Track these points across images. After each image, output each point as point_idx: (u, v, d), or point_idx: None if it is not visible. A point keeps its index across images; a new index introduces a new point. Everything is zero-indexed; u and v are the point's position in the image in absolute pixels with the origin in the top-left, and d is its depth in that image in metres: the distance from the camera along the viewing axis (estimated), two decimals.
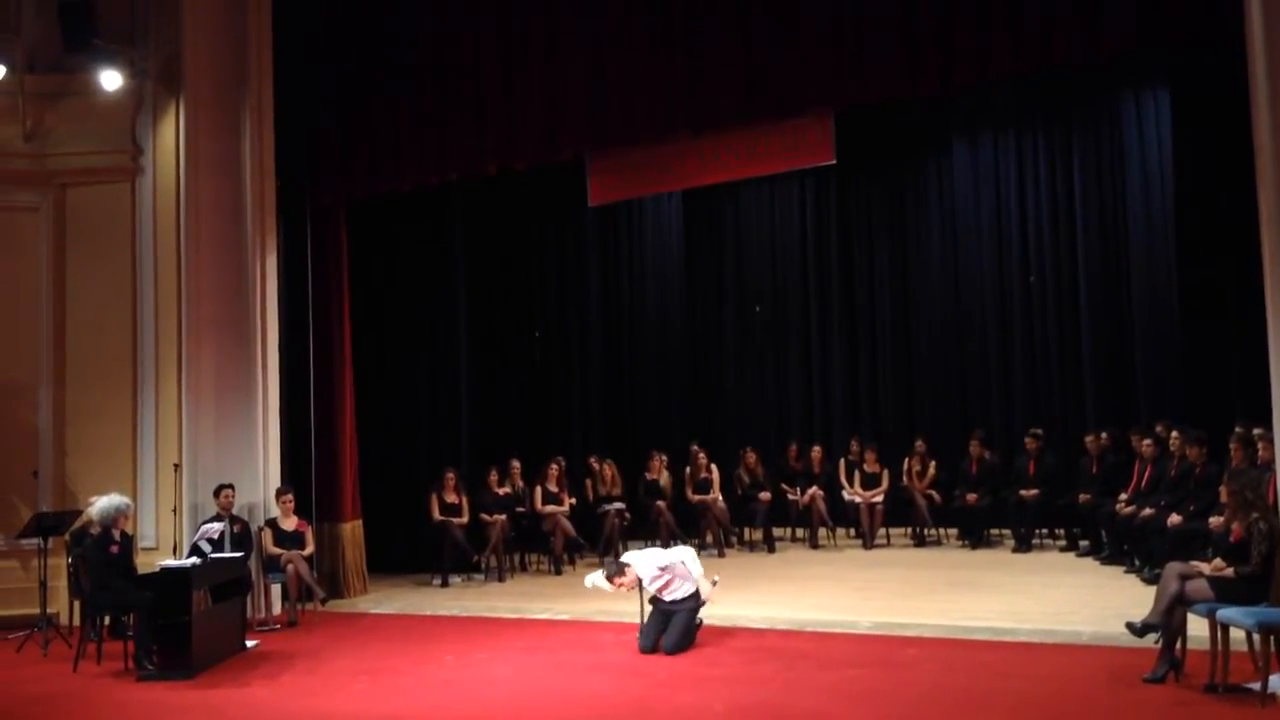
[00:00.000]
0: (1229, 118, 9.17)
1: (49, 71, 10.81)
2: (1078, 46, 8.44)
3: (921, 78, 8.94)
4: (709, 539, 12.97)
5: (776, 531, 13.37)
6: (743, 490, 13.34)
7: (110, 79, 10.52)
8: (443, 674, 7.76)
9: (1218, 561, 6.78)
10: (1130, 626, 6.79)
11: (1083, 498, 11.41)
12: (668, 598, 8.14)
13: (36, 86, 10.78)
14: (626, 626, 8.51)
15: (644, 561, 8.27)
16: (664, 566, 8.20)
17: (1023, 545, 12.00)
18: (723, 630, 8.58)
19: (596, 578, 8.45)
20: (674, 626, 8.03)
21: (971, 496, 12.41)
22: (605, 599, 9.13)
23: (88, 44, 10.48)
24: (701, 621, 8.31)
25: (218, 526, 9.38)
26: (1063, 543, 12.08)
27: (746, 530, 13.43)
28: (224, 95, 10.65)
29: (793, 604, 9.60)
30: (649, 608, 8.26)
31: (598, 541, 12.54)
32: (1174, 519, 9.40)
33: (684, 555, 8.43)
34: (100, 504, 8.66)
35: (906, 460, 13.21)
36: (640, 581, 8.19)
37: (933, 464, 13.08)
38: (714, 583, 8.49)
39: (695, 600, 8.17)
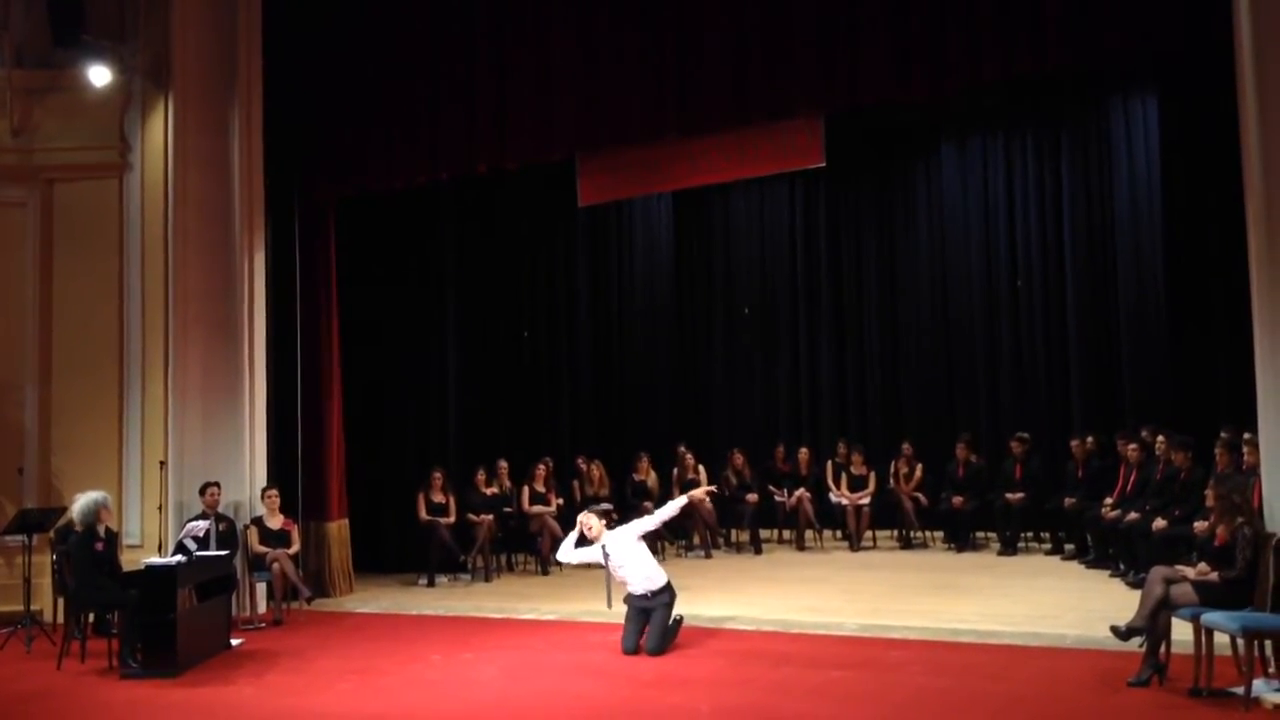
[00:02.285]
0: (1217, 123, 9.22)
1: (37, 66, 10.77)
2: (1068, 52, 8.47)
3: (912, 82, 8.97)
4: (696, 540, 13.00)
5: (763, 533, 13.38)
6: (730, 491, 13.35)
7: (99, 74, 10.49)
8: (429, 674, 7.75)
9: (1202, 565, 6.81)
10: (1115, 630, 6.81)
11: (1068, 502, 11.44)
12: (637, 590, 8.19)
13: (24, 82, 10.74)
14: (612, 627, 8.49)
15: (622, 535, 8.40)
16: (642, 535, 8.43)
17: (1008, 548, 12.03)
18: (709, 631, 8.59)
19: (572, 535, 8.60)
20: (654, 626, 8.06)
21: (958, 499, 12.44)
22: (592, 599, 9.15)
23: (76, 39, 10.45)
24: (681, 619, 8.32)
25: (203, 525, 9.34)
26: (1048, 546, 12.10)
27: (733, 532, 13.44)
28: (213, 92, 10.63)
29: (779, 606, 9.60)
30: (623, 606, 8.30)
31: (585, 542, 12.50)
32: (1159, 523, 9.43)
33: (655, 517, 8.75)
34: (79, 504, 8.60)
35: (893, 463, 13.24)
36: (605, 551, 8.29)
37: (919, 467, 13.11)
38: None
39: (668, 595, 8.21)
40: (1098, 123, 13.20)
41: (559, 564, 12.23)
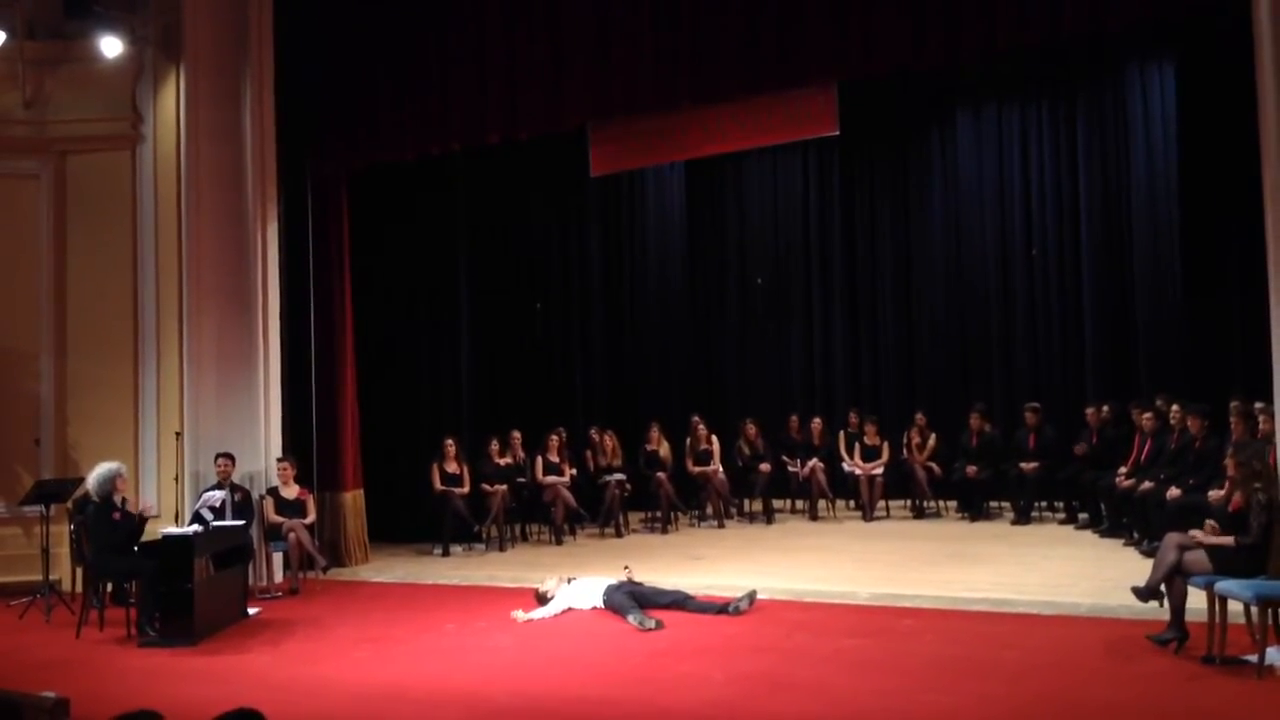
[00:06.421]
0: (1234, 90, 9.13)
1: (49, 38, 10.77)
2: (1084, 17, 8.37)
3: (926, 49, 8.88)
4: (709, 510, 13.02)
5: (776, 503, 13.41)
6: (743, 461, 13.36)
7: (110, 45, 10.48)
8: (444, 642, 7.80)
9: (1212, 523, 6.79)
10: (1136, 591, 6.83)
11: (1079, 448, 11.42)
12: (587, 605, 8.45)
13: (36, 53, 10.73)
14: None
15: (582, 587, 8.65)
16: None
17: (1022, 518, 12.03)
18: (722, 601, 8.61)
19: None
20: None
21: (971, 469, 12.43)
22: (605, 569, 9.18)
23: (88, 10, 10.46)
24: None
25: (219, 495, 9.39)
26: (1062, 515, 12.09)
27: (746, 501, 13.46)
28: (225, 62, 10.61)
29: (792, 575, 9.62)
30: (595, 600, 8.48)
31: (598, 512, 12.58)
32: (1173, 492, 9.40)
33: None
34: (94, 475, 8.66)
35: (907, 433, 13.22)
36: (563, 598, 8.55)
37: (933, 436, 13.10)
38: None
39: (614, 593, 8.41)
40: (1114, 90, 13.09)
41: (573, 533, 12.36)
